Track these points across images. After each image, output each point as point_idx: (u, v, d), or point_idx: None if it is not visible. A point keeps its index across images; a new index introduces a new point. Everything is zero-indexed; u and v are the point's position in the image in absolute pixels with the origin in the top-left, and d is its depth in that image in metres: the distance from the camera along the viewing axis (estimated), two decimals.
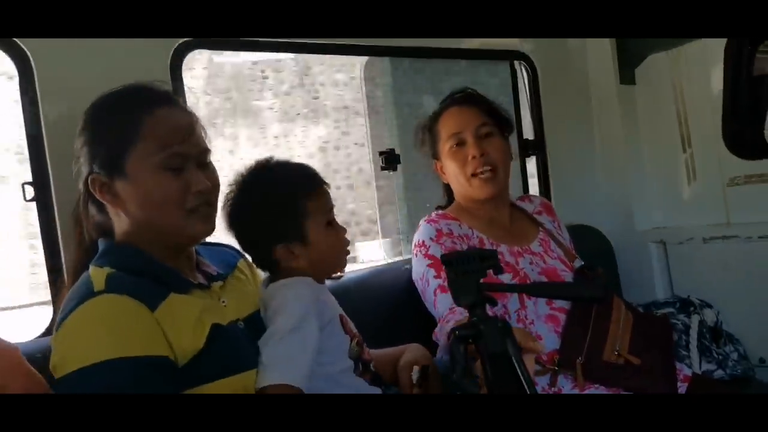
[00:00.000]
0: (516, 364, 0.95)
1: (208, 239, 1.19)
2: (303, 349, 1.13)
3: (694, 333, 1.98)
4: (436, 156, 1.76)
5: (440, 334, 1.45)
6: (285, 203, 1.21)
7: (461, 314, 1.44)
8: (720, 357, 1.98)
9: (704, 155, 2.34)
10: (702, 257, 2.24)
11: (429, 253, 1.62)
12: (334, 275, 1.32)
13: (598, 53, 2.43)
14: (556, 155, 2.35)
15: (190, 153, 1.09)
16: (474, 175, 1.67)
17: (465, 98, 1.75)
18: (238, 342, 1.11)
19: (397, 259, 1.88)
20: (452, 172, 1.71)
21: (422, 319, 1.60)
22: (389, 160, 2.02)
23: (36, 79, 1.35)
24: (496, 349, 0.97)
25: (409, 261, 1.74)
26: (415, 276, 1.66)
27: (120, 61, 1.41)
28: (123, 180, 1.07)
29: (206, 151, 1.14)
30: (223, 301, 1.15)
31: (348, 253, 1.28)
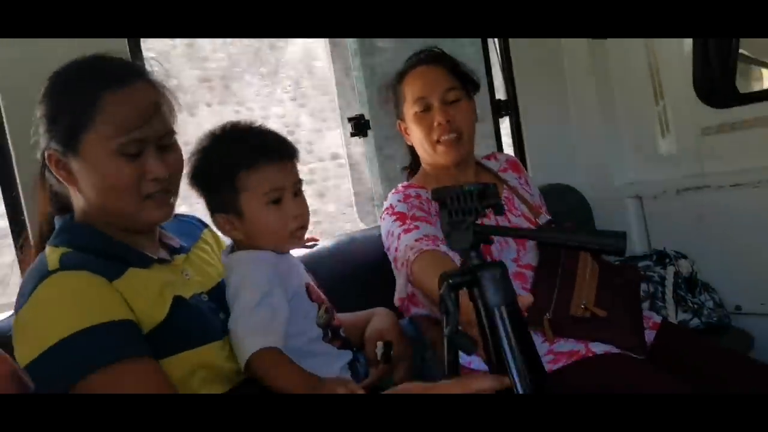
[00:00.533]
0: (516, 315, 0.88)
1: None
2: (273, 317, 1.11)
3: (669, 284, 2.00)
4: (400, 117, 1.73)
5: (401, 263, 1.46)
6: (222, 174, 1.16)
7: (426, 243, 1.44)
8: (695, 306, 2.00)
9: (677, 107, 2.34)
10: (677, 209, 2.25)
11: (396, 211, 1.61)
12: (308, 244, 1.31)
13: None
14: (529, 115, 2.34)
15: (149, 137, 1.03)
16: (439, 141, 1.65)
17: (431, 57, 1.70)
18: (201, 314, 1.09)
19: (370, 226, 1.87)
20: (417, 137, 1.69)
21: (394, 285, 1.61)
22: (358, 126, 1.99)
23: None
24: (495, 299, 0.88)
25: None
26: (384, 239, 1.64)
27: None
28: (78, 160, 1.03)
29: (170, 132, 1.08)
30: (186, 274, 1.13)
31: (301, 230, 1.21)
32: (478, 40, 2.33)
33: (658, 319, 1.69)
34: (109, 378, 0.94)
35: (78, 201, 1.09)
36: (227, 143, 1.19)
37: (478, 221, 0.93)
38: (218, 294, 1.15)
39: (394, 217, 1.60)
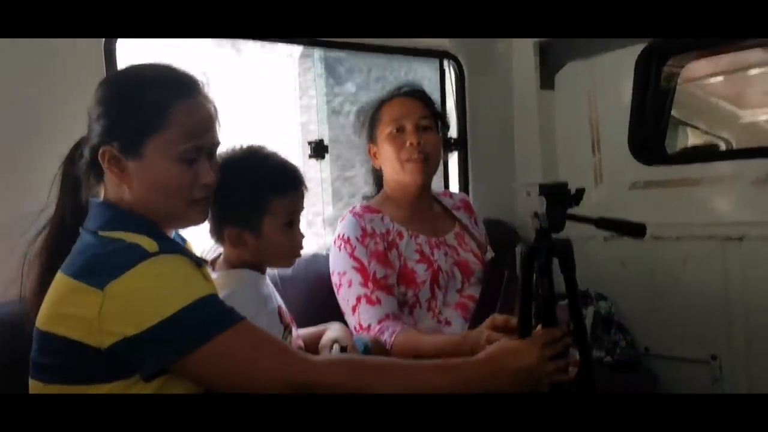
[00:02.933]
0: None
1: None
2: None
3: (588, 323, 2.17)
4: (372, 139, 1.83)
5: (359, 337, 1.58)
6: (254, 194, 1.27)
7: (391, 333, 1.58)
8: (609, 345, 2.18)
9: (611, 160, 2.52)
10: (603, 254, 2.43)
11: (355, 254, 1.69)
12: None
13: (522, 58, 2.58)
14: (476, 152, 2.48)
15: (205, 145, 1.12)
16: (408, 160, 1.76)
17: (412, 92, 1.84)
18: None
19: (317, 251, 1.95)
20: (387, 155, 1.78)
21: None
22: (317, 149, 2.09)
23: None
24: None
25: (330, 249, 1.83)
26: (333, 268, 1.73)
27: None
28: (137, 161, 1.10)
29: (217, 143, 1.17)
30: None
31: (298, 256, 1.33)
32: (437, 81, 2.48)
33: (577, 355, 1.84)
34: (230, 339, 1.03)
35: (119, 193, 1.13)
36: (261, 167, 1.29)
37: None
38: None
39: (353, 263, 1.69)
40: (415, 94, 1.84)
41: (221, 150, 1.22)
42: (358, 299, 1.67)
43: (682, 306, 2.27)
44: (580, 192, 1.22)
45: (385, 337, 1.60)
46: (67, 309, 1.03)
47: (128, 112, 1.10)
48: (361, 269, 1.69)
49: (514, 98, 2.60)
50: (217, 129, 1.17)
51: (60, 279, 1.07)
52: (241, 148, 1.32)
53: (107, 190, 1.15)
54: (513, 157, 2.60)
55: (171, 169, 1.10)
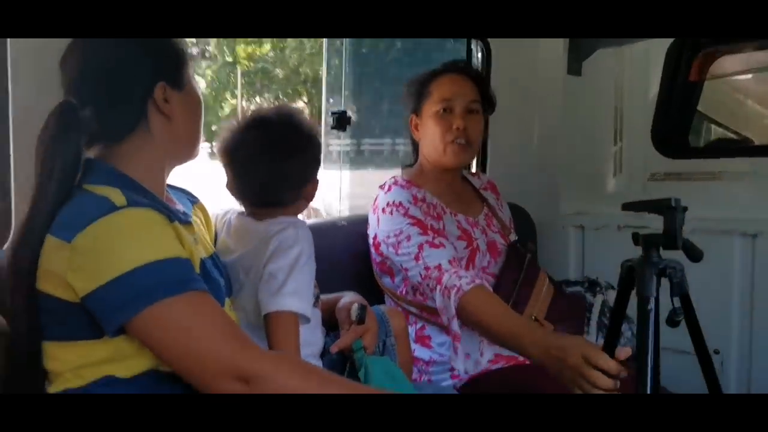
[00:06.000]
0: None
1: (169, 182, 1.24)
2: (311, 281, 1.27)
3: (595, 311, 2.17)
4: (417, 111, 1.82)
5: (433, 281, 1.61)
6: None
7: (459, 275, 1.59)
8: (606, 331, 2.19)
9: (632, 150, 2.52)
10: (615, 243, 2.43)
11: (409, 213, 1.70)
12: None
13: (551, 42, 2.55)
14: (496, 135, 2.47)
15: None
16: (452, 142, 1.76)
17: (465, 69, 1.84)
18: (213, 276, 1.17)
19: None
20: (431, 134, 1.78)
21: (352, 273, 1.77)
22: (340, 121, 2.10)
23: None
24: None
25: (345, 219, 1.87)
26: (386, 232, 1.72)
27: None
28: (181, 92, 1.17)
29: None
30: (195, 239, 1.19)
31: None
32: (463, 52, 2.47)
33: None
34: (179, 305, 1.01)
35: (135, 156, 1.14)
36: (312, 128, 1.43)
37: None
38: (213, 263, 1.23)
39: (409, 220, 1.69)
40: (469, 72, 1.83)
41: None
42: (420, 246, 1.65)
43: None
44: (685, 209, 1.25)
45: (460, 282, 1.56)
46: (46, 265, 1.03)
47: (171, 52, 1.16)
48: (418, 223, 1.69)
49: (539, 82, 2.58)
50: None
51: (47, 237, 1.05)
52: (288, 113, 1.37)
53: (125, 157, 1.13)
54: (531, 141, 2.60)
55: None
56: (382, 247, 1.74)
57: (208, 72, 10.12)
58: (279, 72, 10.94)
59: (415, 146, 1.89)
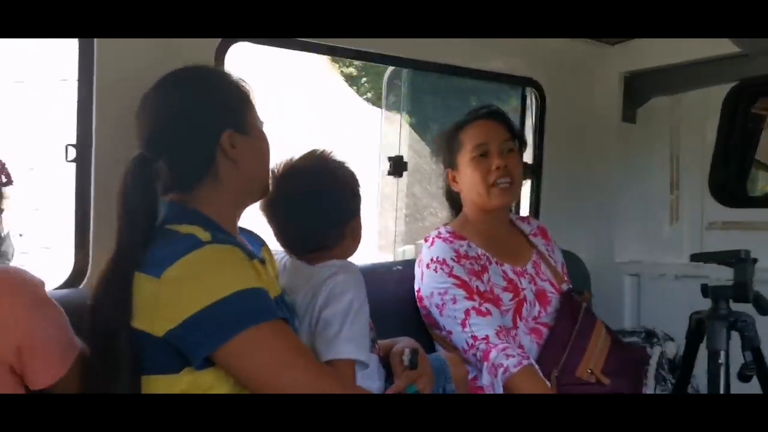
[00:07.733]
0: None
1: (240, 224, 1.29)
2: (366, 325, 1.29)
3: (653, 362, 2.12)
4: (452, 165, 1.82)
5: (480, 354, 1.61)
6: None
7: (507, 354, 1.58)
8: (673, 387, 2.13)
9: (689, 198, 2.48)
10: (672, 293, 2.39)
11: (454, 273, 1.69)
12: None
13: (606, 89, 2.55)
14: (550, 181, 2.47)
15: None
16: (494, 184, 1.74)
17: (492, 114, 1.83)
18: (286, 315, 1.20)
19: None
20: (471, 180, 1.76)
21: (406, 318, 1.76)
22: (396, 166, 2.12)
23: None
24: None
25: (400, 263, 1.88)
26: (430, 290, 1.72)
27: (169, 49, 1.51)
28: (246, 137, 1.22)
29: None
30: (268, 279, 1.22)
31: None
32: (519, 105, 2.49)
33: None
34: (266, 332, 1.07)
35: (215, 197, 1.19)
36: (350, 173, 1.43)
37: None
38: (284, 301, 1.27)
39: (454, 280, 1.68)
40: (496, 116, 1.82)
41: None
42: (467, 312, 1.65)
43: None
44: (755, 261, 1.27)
45: (507, 363, 1.56)
46: (137, 302, 1.07)
47: (235, 100, 1.21)
48: (463, 285, 1.68)
49: (593, 129, 2.58)
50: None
51: (135, 276, 1.10)
52: (326, 159, 1.39)
53: (207, 198, 1.19)
54: (586, 188, 2.58)
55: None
56: (425, 302, 1.73)
57: None
58: None
59: (452, 202, 1.89)
